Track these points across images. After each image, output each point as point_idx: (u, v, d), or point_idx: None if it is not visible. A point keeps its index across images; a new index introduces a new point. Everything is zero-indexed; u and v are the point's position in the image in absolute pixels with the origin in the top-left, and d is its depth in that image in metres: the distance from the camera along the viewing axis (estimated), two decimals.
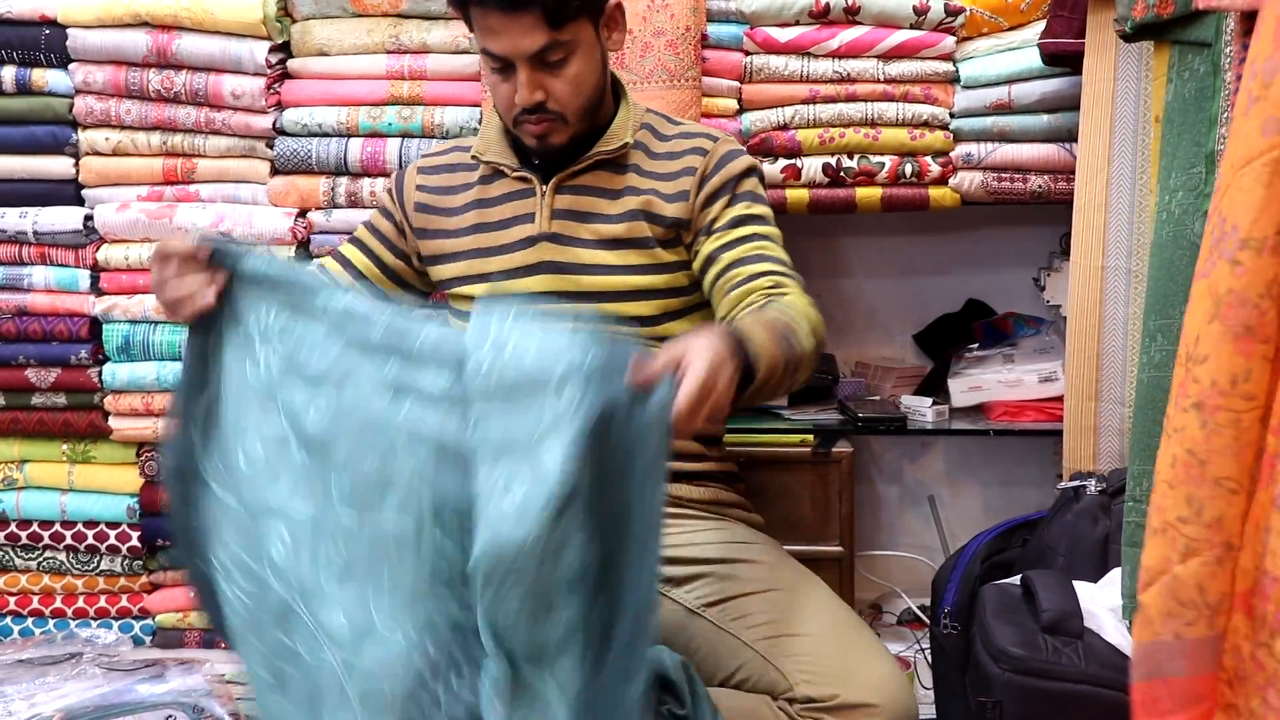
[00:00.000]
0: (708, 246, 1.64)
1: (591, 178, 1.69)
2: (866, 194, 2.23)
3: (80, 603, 2.34)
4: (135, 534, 2.29)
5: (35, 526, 2.31)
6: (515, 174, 1.71)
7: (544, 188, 1.69)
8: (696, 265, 1.67)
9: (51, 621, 2.35)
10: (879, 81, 2.19)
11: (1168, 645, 1.01)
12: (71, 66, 2.18)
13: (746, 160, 1.70)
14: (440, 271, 1.76)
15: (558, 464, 1.17)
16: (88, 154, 2.23)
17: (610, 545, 1.22)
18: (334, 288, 1.42)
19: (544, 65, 1.57)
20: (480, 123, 2.14)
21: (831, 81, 2.19)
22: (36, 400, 2.27)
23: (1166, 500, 0.99)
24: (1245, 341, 0.92)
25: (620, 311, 1.67)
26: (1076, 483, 1.93)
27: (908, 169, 2.21)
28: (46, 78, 2.19)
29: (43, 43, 2.16)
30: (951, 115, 2.20)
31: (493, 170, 1.73)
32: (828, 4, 2.13)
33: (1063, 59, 2.06)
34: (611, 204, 1.68)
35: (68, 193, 2.25)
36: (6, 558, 2.34)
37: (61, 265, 2.25)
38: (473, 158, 1.74)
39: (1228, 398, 0.93)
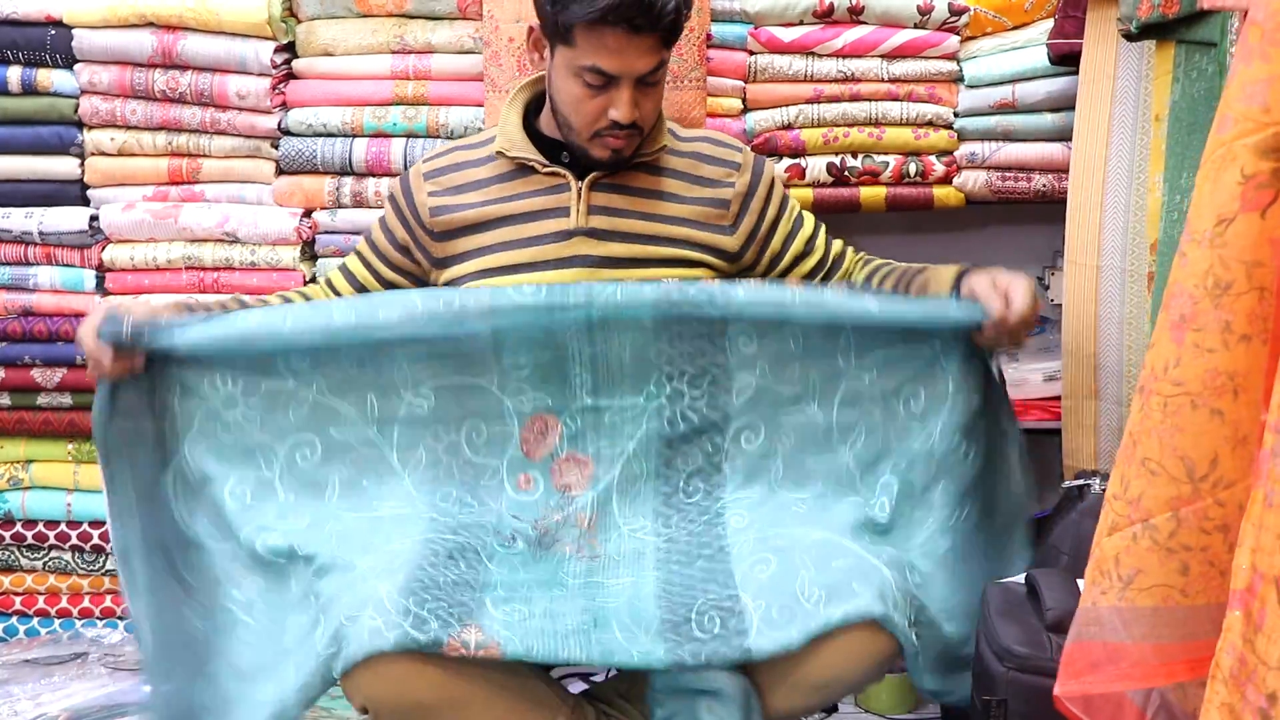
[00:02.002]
0: (796, 246, 1.82)
1: (627, 177, 1.74)
2: (871, 193, 2.23)
3: (85, 602, 2.35)
4: None
5: (41, 526, 2.32)
6: (546, 170, 1.74)
7: (579, 185, 1.73)
8: (785, 262, 1.82)
9: (57, 621, 2.36)
10: (883, 81, 2.19)
11: (1088, 611, 1.10)
12: (77, 67, 2.18)
13: (768, 165, 1.81)
14: (461, 269, 1.77)
15: None
16: (93, 154, 2.23)
17: None
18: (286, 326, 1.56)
19: (644, 84, 1.63)
20: (484, 123, 2.15)
21: (836, 81, 2.19)
22: (42, 400, 2.27)
23: (1112, 477, 1.07)
24: (1178, 329, 0.97)
25: None
26: (1080, 481, 1.93)
27: (912, 168, 2.21)
28: (52, 78, 2.19)
29: (48, 43, 2.17)
30: (956, 115, 2.20)
31: (517, 165, 1.75)
32: (832, 4, 2.13)
33: (1070, 59, 2.06)
34: (651, 203, 1.74)
35: (73, 193, 2.25)
36: (12, 558, 2.34)
37: (67, 265, 2.25)
38: (497, 153, 1.76)
39: (1159, 382, 0.99)
